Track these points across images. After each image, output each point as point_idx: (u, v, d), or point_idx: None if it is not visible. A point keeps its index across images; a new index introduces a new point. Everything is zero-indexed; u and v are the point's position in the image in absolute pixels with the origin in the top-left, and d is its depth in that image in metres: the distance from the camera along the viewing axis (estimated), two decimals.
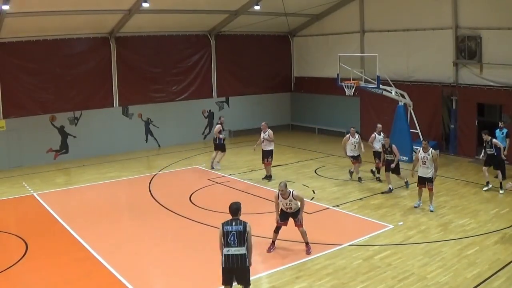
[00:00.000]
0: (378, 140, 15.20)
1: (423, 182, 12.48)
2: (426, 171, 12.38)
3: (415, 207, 12.69)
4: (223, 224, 7.50)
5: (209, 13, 20.82)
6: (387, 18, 20.58)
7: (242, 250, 7.26)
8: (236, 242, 7.27)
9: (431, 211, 12.30)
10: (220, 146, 17.35)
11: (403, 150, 17.78)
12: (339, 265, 9.40)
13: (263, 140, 15.69)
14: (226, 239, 7.31)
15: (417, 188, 12.75)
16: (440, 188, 14.48)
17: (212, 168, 17.33)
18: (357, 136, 15.35)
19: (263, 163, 15.84)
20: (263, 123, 16.00)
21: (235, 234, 7.29)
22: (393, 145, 14.24)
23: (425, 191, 12.54)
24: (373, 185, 15.00)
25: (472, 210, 12.39)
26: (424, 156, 12.40)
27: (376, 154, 15.35)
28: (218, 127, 17.25)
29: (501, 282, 8.46)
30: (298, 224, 10.08)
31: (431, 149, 12.52)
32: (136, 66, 21.14)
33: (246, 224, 7.39)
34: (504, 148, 14.80)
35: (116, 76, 20.65)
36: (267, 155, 15.69)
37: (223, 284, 7.59)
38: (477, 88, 17.79)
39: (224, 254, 7.34)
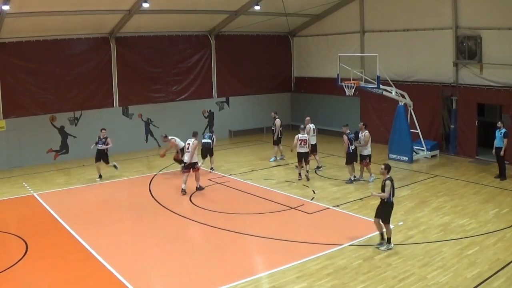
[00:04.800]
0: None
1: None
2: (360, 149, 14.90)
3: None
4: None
5: (209, 13, 20.82)
6: (387, 18, 20.59)
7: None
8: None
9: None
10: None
11: (403, 150, 17.86)
12: (339, 265, 9.40)
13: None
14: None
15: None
16: (440, 188, 14.50)
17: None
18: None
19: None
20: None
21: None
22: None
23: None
24: (373, 185, 14.99)
25: (472, 210, 12.39)
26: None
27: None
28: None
29: (501, 282, 8.46)
30: None
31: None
32: (136, 66, 21.14)
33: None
34: (501, 148, 14.90)
35: (116, 76, 20.65)
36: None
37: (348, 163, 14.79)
38: (477, 88, 17.79)
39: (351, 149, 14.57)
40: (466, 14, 17.75)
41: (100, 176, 16.43)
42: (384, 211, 10.04)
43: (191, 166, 14.48)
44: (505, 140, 14.88)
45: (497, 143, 15.11)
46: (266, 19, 21.87)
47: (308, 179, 15.61)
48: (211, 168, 17.38)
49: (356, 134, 15.23)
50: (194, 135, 14.96)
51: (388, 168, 10.21)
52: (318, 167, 17.00)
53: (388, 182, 9.95)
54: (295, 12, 21.57)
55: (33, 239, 11.01)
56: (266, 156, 19.29)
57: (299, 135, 15.55)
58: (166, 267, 9.64)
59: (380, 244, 10.15)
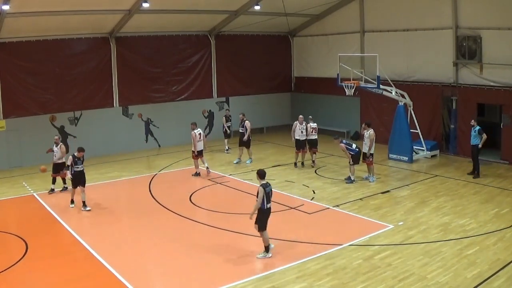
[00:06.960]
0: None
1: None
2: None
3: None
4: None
5: (209, 13, 20.82)
6: (387, 18, 20.59)
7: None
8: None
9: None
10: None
11: (403, 150, 17.87)
12: (339, 265, 9.40)
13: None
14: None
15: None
16: (440, 188, 14.50)
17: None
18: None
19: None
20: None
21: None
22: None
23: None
24: (373, 185, 15.00)
25: (472, 210, 12.39)
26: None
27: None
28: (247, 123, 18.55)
29: (501, 282, 8.46)
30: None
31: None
32: (136, 66, 21.13)
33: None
34: (477, 145, 15.20)
35: (116, 76, 20.64)
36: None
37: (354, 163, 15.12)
38: (477, 88, 17.79)
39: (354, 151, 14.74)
40: (466, 14, 17.75)
41: (72, 201, 13.54)
42: (258, 218, 9.63)
43: (201, 153, 16.66)
44: (482, 137, 15.12)
45: (472, 140, 15.42)
46: (266, 19, 21.87)
47: (313, 162, 17.43)
48: (228, 148, 20.17)
49: (357, 133, 15.32)
50: (196, 125, 16.88)
51: (260, 174, 9.74)
52: (302, 163, 17.62)
53: (260, 188, 9.52)
54: (295, 12, 21.57)
55: (33, 239, 11.00)
56: (266, 156, 19.30)
57: (310, 123, 17.37)
58: (166, 267, 9.65)
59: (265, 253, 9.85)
